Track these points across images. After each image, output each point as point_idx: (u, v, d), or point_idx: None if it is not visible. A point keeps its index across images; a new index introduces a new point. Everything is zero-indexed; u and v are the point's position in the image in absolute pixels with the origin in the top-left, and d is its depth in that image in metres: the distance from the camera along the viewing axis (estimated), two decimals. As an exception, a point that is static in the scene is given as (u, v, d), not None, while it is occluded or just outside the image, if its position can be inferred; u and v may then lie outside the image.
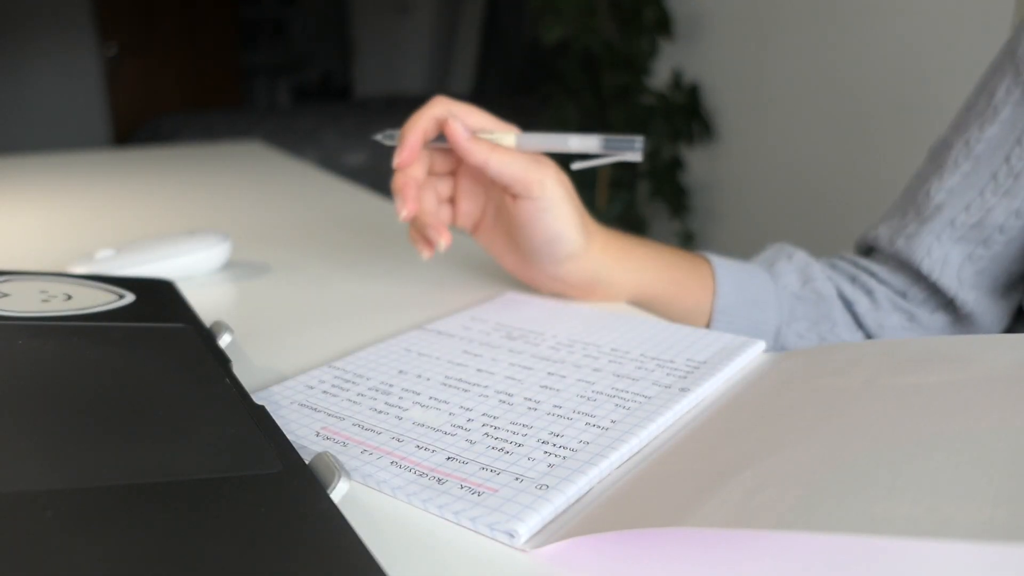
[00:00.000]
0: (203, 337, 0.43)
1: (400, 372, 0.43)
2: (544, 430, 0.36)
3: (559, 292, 0.56)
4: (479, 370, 0.44)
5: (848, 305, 0.62)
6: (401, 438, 0.36)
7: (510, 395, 0.40)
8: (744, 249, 1.05)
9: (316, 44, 5.04)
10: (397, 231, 0.80)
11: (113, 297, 0.47)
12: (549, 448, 0.34)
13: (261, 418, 0.34)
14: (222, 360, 0.40)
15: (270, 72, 4.97)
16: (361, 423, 0.37)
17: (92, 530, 0.24)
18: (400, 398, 0.40)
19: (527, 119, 2.89)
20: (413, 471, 0.33)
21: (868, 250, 0.65)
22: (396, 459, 0.34)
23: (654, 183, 2.19)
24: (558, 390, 0.41)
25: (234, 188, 1.06)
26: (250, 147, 1.43)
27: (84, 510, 0.25)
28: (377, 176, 2.69)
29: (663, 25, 2.09)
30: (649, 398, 0.39)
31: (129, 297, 0.48)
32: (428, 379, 0.42)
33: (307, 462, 0.31)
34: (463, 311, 0.53)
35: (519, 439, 0.35)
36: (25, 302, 0.44)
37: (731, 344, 0.46)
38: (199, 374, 0.38)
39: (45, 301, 0.45)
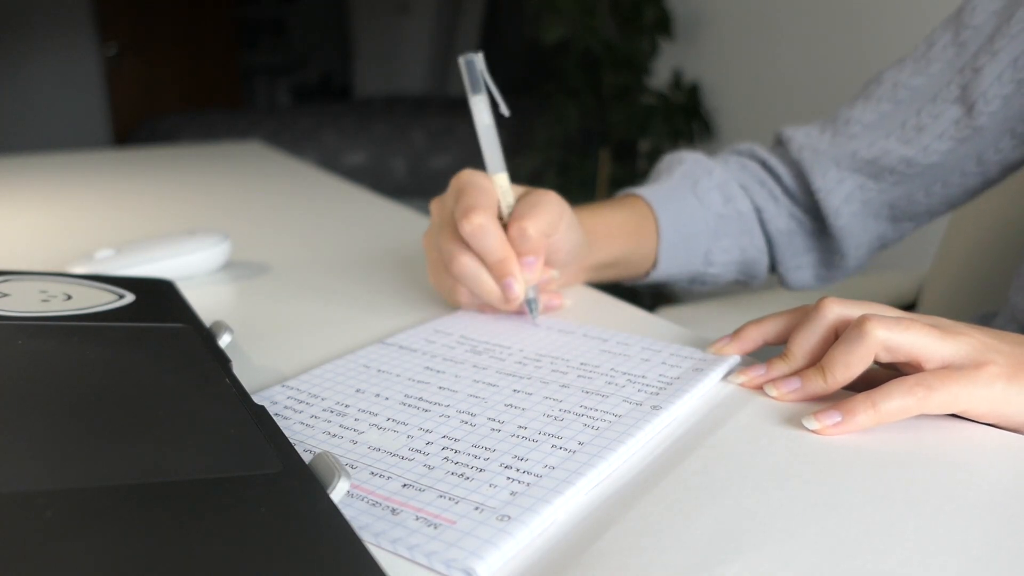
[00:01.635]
0: (203, 337, 0.43)
1: (357, 391, 0.41)
2: (507, 453, 0.35)
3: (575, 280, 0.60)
4: (441, 388, 0.42)
5: (758, 213, 0.68)
6: (355, 464, 0.34)
7: (473, 415, 0.39)
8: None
9: (316, 44, 5.04)
10: (397, 231, 0.80)
11: (113, 297, 0.47)
12: (512, 474, 0.33)
13: (261, 418, 0.34)
14: (222, 360, 0.40)
15: (270, 72, 4.97)
16: (313, 448, 0.36)
17: (92, 530, 0.24)
18: (356, 420, 0.38)
19: (527, 119, 2.88)
20: (366, 500, 0.31)
21: (778, 142, 0.70)
22: (349, 488, 0.31)
23: (654, 183, 2.19)
24: (523, 409, 0.39)
25: (234, 188, 1.06)
26: (250, 147, 1.43)
27: (84, 510, 0.25)
28: (377, 176, 2.70)
29: (663, 25, 2.09)
30: (619, 416, 0.38)
31: (129, 297, 0.48)
32: (387, 398, 0.41)
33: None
34: (426, 323, 0.52)
35: (481, 463, 0.34)
36: (25, 302, 0.44)
37: (704, 359, 0.45)
38: (199, 374, 0.38)
39: (45, 301, 0.45)
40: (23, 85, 3.79)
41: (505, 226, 0.50)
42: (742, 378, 0.43)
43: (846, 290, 0.95)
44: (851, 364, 0.39)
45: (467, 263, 0.50)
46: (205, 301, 0.57)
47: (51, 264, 0.66)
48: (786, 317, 0.45)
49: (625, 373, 0.43)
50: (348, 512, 0.30)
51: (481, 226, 0.48)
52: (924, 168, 0.62)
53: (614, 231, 0.61)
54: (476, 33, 3.89)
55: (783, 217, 0.68)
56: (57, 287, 0.48)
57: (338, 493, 0.29)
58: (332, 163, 2.65)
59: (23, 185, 1.05)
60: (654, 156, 2.19)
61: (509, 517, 0.30)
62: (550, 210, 0.50)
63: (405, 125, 2.86)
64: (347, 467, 0.34)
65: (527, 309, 0.51)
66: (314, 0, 4.98)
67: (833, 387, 0.40)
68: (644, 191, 0.65)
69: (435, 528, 0.29)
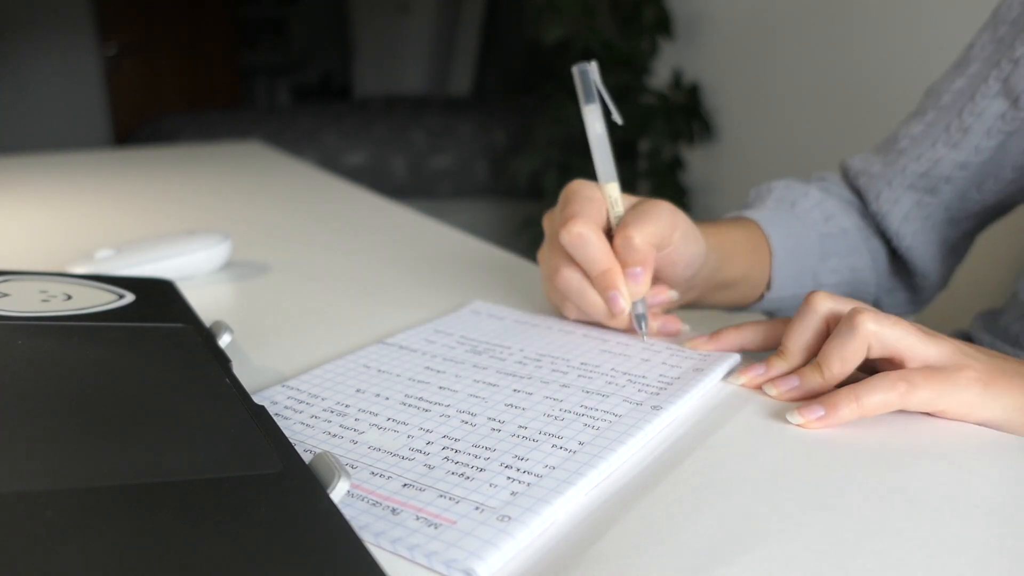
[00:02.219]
0: (203, 337, 0.43)
1: (357, 391, 0.41)
2: (508, 453, 0.35)
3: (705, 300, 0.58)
4: (441, 388, 0.42)
5: (860, 230, 0.66)
6: (355, 464, 0.34)
7: (473, 415, 0.39)
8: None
9: (316, 44, 5.04)
10: (397, 231, 0.80)
11: (113, 297, 0.47)
12: (512, 474, 0.33)
13: (261, 418, 0.34)
14: (222, 360, 0.40)
15: (270, 72, 4.97)
16: (313, 448, 0.35)
17: (92, 530, 0.24)
18: (356, 419, 0.38)
19: (527, 119, 2.87)
20: (366, 500, 0.31)
21: (843, 173, 0.69)
22: (349, 488, 0.31)
23: (654, 183, 2.19)
24: (524, 409, 0.39)
25: (234, 188, 1.06)
26: (250, 147, 1.43)
27: (84, 510, 0.25)
28: (377, 176, 2.69)
29: (663, 25, 2.09)
30: (619, 416, 0.38)
31: (129, 297, 0.48)
32: (387, 398, 0.40)
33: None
34: (427, 323, 0.52)
35: (481, 463, 0.34)
36: (25, 302, 0.44)
37: (705, 359, 0.45)
38: (199, 374, 0.38)
39: (45, 301, 0.45)
40: (23, 85, 3.79)
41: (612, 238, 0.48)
42: (742, 379, 0.43)
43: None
44: (847, 358, 0.39)
45: (570, 276, 0.48)
46: (205, 301, 0.57)
47: (51, 264, 0.66)
48: (766, 326, 0.46)
49: (625, 373, 0.43)
50: (348, 512, 0.30)
51: (581, 235, 0.46)
52: (977, 167, 0.61)
53: (738, 249, 0.58)
54: (476, 33, 3.89)
55: (875, 236, 0.66)
56: (57, 287, 0.48)
57: (338, 493, 0.29)
58: (332, 163, 2.65)
59: (23, 185, 1.05)
60: (654, 156, 2.19)
61: (509, 517, 0.30)
62: (660, 219, 0.47)
63: (405, 125, 2.86)
64: (347, 467, 0.34)
65: (636, 325, 0.48)
66: (314, 0, 4.98)
67: (831, 382, 0.40)
68: (753, 214, 0.63)
69: (435, 528, 0.29)
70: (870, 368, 0.41)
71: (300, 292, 0.61)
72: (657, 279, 0.51)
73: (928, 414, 0.39)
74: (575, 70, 0.50)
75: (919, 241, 0.65)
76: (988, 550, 0.29)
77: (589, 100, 0.50)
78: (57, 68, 3.86)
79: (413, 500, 0.31)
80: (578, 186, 0.50)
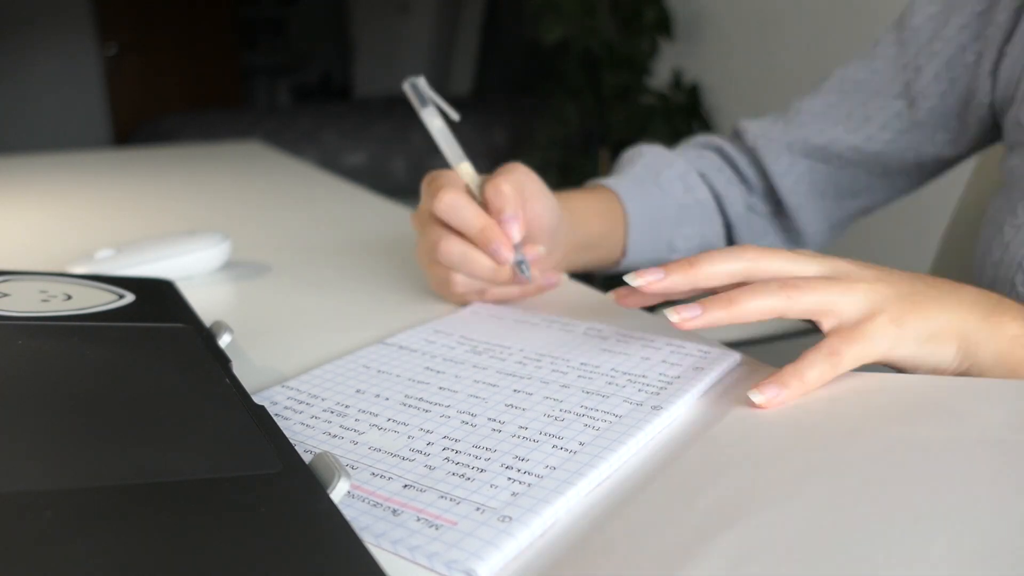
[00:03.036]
0: (203, 337, 0.43)
1: (357, 391, 0.41)
2: (508, 454, 0.35)
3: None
4: (441, 388, 0.42)
5: (717, 199, 0.72)
6: (355, 465, 0.34)
7: (473, 415, 0.39)
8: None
9: (316, 44, 5.04)
10: (397, 231, 0.80)
11: (113, 297, 0.47)
12: (513, 474, 0.33)
13: (261, 418, 0.34)
14: (222, 360, 0.40)
15: (270, 72, 4.97)
16: (313, 449, 0.35)
17: (92, 530, 0.24)
18: (356, 420, 0.38)
19: (527, 119, 2.87)
20: (367, 501, 0.31)
21: (735, 133, 0.74)
22: (349, 488, 0.32)
23: (654, 183, 2.19)
24: (524, 409, 0.39)
25: (234, 188, 1.06)
26: (250, 147, 1.43)
27: (84, 510, 0.25)
28: (377, 176, 2.69)
29: (663, 25, 2.09)
30: (620, 417, 0.38)
31: (129, 297, 0.48)
32: (387, 399, 0.40)
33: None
34: (426, 323, 0.52)
35: (482, 464, 0.34)
36: (25, 302, 0.44)
37: (705, 358, 0.45)
38: (199, 374, 0.38)
39: (45, 301, 0.45)
40: (23, 85, 3.79)
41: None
42: (639, 280, 0.42)
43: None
44: (719, 267, 0.41)
45: (452, 245, 0.51)
46: (205, 301, 0.57)
47: (51, 264, 0.66)
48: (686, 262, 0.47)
49: (625, 373, 0.43)
50: (349, 513, 0.30)
51: (453, 200, 0.50)
52: (868, 155, 0.67)
53: (590, 212, 0.64)
54: (476, 33, 3.89)
55: (740, 202, 0.72)
56: (57, 287, 0.48)
57: (338, 493, 0.29)
58: (332, 163, 2.65)
59: (23, 185, 1.05)
60: (654, 156, 2.19)
61: (510, 518, 0.30)
62: (516, 171, 0.53)
63: (405, 125, 2.86)
64: (348, 468, 0.33)
65: (520, 273, 0.52)
66: (314, 0, 4.98)
67: (697, 285, 0.42)
68: (609, 181, 0.68)
69: (436, 529, 0.29)
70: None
71: (300, 292, 0.61)
72: (527, 237, 0.55)
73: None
74: (406, 86, 0.56)
75: (808, 204, 0.71)
76: (989, 549, 0.29)
77: (424, 105, 0.55)
78: (57, 68, 3.86)
79: (414, 501, 0.31)
80: (435, 173, 0.54)
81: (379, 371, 0.44)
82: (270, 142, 1.70)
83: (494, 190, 0.51)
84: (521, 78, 3.51)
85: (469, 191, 0.53)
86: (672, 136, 2.12)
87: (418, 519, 0.30)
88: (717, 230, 0.72)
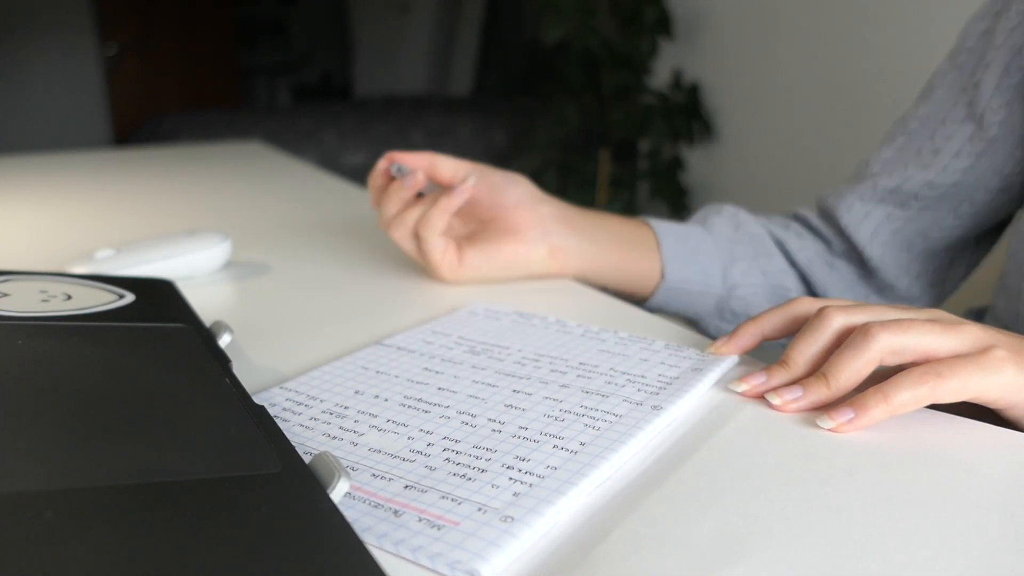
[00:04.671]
0: (203, 337, 0.43)
1: (356, 392, 0.41)
2: (509, 454, 0.35)
3: (524, 260, 0.62)
4: (440, 388, 0.42)
5: (779, 244, 0.69)
6: (356, 466, 0.34)
7: (473, 416, 0.38)
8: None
9: (316, 44, 5.04)
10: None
11: (113, 297, 0.47)
12: (514, 474, 0.33)
13: (261, 418, 0.34)
14: (222, 360, 0.40)
15: (270, 72, 4.97)
16: (313, 451, 0.35)
17: (92, 530, 0.24)
18: (356, 421, 0.38)
19: (527, 119, 2.87)
20: (368, 503, 0.31)
21: (817, 203, 0.71)
22: (350, 490, 0.32)
23: (654, 183, 2.19)
24: (524, 409, 0.39)
25: (234, 188, 1.06)
26: (250, 147, 1.43)
27: (84, 510, 0.25)
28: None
29: (663, 25, 2.09)
30: (620, 416, 0.38)
31: (129, 297, 0.48)
32: (386, 400, 0.40)
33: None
34: (424, 324, 0.52)
35: (483, 464, 0.34)
36: (25, 302, 0.44)
37: (703, 359, 0.45)
38: (199, 374, 0.38)
39: (45, 301, 0.45)
40: (23, 85, 3.79)
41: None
42: (743, 386, 0.42)
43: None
44: (857, 370, 0.38)
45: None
46: (205, 301, 0.57)
47: (51, 264, 0.66)
48: (782, 312, 0.45)
49: (624, 373, 0.43)
50: (350, 514, 0.30)
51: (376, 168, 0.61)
52: (947, 189, 0.62)
53: (613, 234, 0.64)
54: (476, 33, 3.89)
55: (812, 250, 0.68)
56: (57, 287, 0.48)
57: (338, 493, 0.29)
58: (332, 163, 2.65)
59: (23, 185, 1.05)
60: (654, 156, 2.19)
61: (512, 518, 0.30)
62: (465, 162, 0.61)
63: (405, 125, 2.86)
64: (348, 469, 0.33)
65: (398, 175, 0.60)
66: (314, 0, 4.98)
67: (837, 394, 0.39)
68: (646, 217, 0.67)
69: (438, 530, 0.29)
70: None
71: (300, 292, 0.61)
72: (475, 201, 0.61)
73: (952, 413, 0.38)
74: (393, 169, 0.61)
75: (890, 255, 0.66)
76: (991, 549, 0.29)
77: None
78: (57, 68, 3.86)
79: (415, 502, 0.31)
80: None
81: (378, 372, 0.44)
82: (270, 142, 1.70)
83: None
84: (521, 78, 3.52)
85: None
86: (672, 136, 2.12)
87: (420, 520, 0.30)
88: (781, 266, 0.67)
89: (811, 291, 0.69)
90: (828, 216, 0.68)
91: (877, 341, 0.38)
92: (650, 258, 0.65)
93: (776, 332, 0.45)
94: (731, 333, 0.46)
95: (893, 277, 0.66)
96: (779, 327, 0.45)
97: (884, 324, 0.38)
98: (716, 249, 0.66)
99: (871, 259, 0.66)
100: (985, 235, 0.66)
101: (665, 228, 0.66)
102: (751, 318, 0.46)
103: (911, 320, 0.39)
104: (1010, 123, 0.59)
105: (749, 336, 0.45)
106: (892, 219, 0.65)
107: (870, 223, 0.65)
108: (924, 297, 0.68)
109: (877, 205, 0.65)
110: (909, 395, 0.36)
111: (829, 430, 0.37)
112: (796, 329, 0.44)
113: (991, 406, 0.38)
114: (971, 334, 0.38)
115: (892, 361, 0.39)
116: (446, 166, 0.60)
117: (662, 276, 0.65)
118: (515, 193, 0.61)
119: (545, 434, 0.36)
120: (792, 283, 0.68)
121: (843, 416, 0.37)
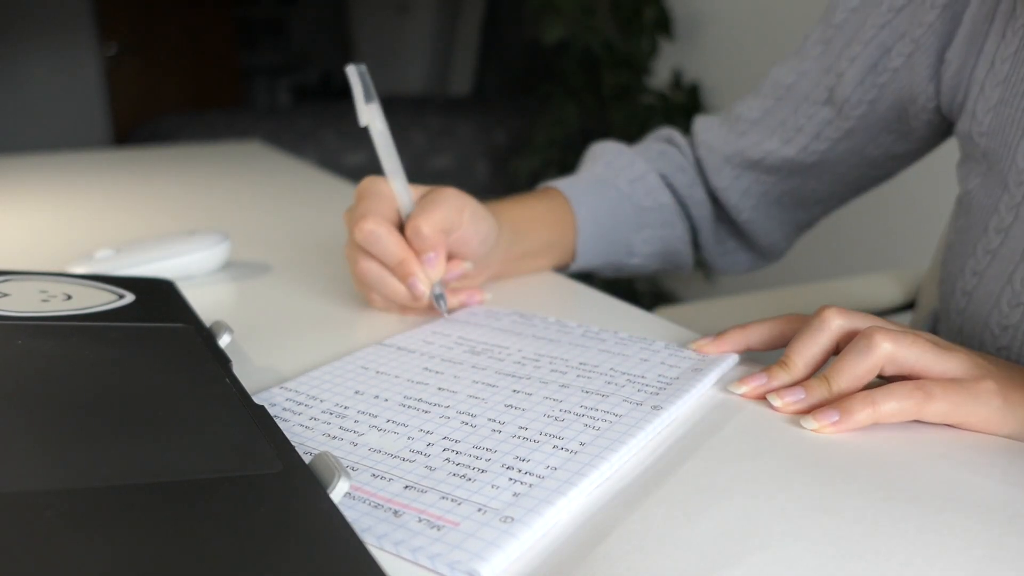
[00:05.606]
0: (203, 337, 0.43)
1: (356, 392, 0.41)
2: (509, 454, 0.35)
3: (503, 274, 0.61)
4: (440, 389, 0.42)
5: (681, 201, 0.70)
6: (356, 466, 0.34)
7: (473, 416, 0.38)
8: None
9: (316, 44, 5.04)
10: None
11: (113, 297, 0.47)
12: (514, 475, 0.33)
13: (261, 418, 0.34)
14: (222, 360, 0.40)
15: (270, 72, 4.97)
16: (313, 451, 0.35)
17: (92, 530, 0.24)
18: (356, 421, 0.38)
19: (527, 119, 2.86)
20: (368, 503, 0.31)
21: (692, 132, 0.72)
22: (350, 490, 0.32)
23: (654, 183, 2.19)
24: (524, 409, 0.39)
25: (234, 188, 1.06)
26: (250, 147, 1.43)
27: (84, 510, 0.25)
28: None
29: (663, 25, 2.09)
30: (620, 416, 0.38)
31: (129, 297, 0.48)
32: (386, 400, 0.40)
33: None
34: (424, 324, 0.52)
35: (482, 464, 0.34)
36: (25, 302, 0.44)
37: (703, 359, 0.45)
38: (199, 374, 0.38)
39: (45, 301, 0.45)
40: (23, 85, 3.78)
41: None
42: (744, 388, 0.42)
43: (848, 290, 0.95)
44: (859, 375, 0.39)
45: (369, 267, 0.51)
46: (205, 301, 0.57)
47: (51, 264, 0.66)
48: (771, 324, 0.46)
49: (624, 373, 0.43)
50: (350, 514, 0.30)
51: (372, 231, 0.49)
52: (808, 166, 0.64)
53: (537, 220, 0.63)
54: (476, 33, 3.89)
55: (707, 207, 0.70)
56: (57, 287, 0.48)
57: (338, 493, 0.29)
58: (332, 163, 2.65)
59: (23, 185, 1.05)
60: (654, 156, 2.18)
61: (512, 518, 0.30)
62: (447, 205, 0.51)
63: (405, 125, 2.86)
64: (348, 469, 0.33)
65: (436, 305, 0.52)
66: (314, 0, 4.98)
67: (838, 397, 0.39)
68: (563, 185, 0.66)
69: (438, 530, 0.29)
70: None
71: (300, 292, 0.61)
72: (454, 256, 0.54)
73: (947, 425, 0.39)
74: (353, 70, 0.50)
75: (758, 215, 0.68)
76: (991, 549, 0.29)
77: (370, 100, 0.50)
78: (57, 68, 3.86)
79: (415, 502, 0.31)
80: (369, 183, 0.53)
81: (377, 372, 0.44)
82: (270, 142, 1.70)
83: (413, 232, 0.50)
84: (521, 78, 3.51)
85: (397, 214, 0.52)
86: (672, 136, 2.11)
87: (420, 520, 0.30)
88: (680, 234, 0.70)
89: (697, 246, 0.73)
90: (700, 168, 0.70)
91: (881, 348, 0.38)
92: (568, 235, 0.65)
93: (762, 344, 0.46)
94: (717, 336, 0.47)
95: (759, 236, 0.70)
96: (765, 339, 0.46)
97: (888, 333, 0.39)
98: (626, 219, 0.67)
99: (738, 221, 0.69)
100: (856, 190, 0.67)
101: (580, 205, 0.65)
102: (738, 326, 0.47)
103: (915, 335, 0.39)
104: (873, 117, 0.60)
105: (734, 344, 0.46)
106: (760, 183, 0.67)
107: (738, 187, 0.68)
108: (790, 242, 0.72)
109: (745, 170, 0.67)
110: (897, 406, 0.37)
111: (812, 431, 0.38)
112: (782, 344, 0.45)
113: (970, 430, 0.39)
114: (965, 361, 0.39)
115: (889, 371, 0.39)
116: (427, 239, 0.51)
117: (574, 257, 0.66)
118: (477, 242, 0.55)
119: (545, 434, 0.36)
120: (686, 249, 0.71)
121: (828, 418, 0.37)
